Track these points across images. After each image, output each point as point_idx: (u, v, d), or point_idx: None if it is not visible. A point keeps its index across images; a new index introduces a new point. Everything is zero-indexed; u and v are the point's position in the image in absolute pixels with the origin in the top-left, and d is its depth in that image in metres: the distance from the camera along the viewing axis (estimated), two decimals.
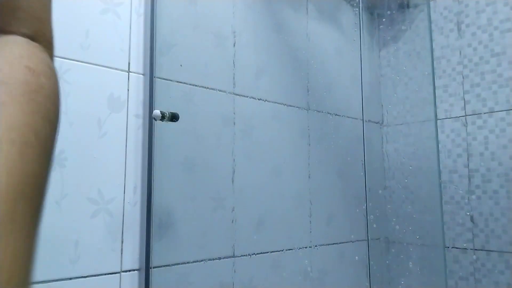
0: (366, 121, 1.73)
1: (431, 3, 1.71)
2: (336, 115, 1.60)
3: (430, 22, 1.68)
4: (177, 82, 1.12)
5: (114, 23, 1.02)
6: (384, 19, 1.84)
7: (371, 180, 1.65)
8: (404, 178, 1.69)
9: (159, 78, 1.07)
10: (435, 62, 1.68)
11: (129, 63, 1.04)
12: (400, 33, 1.80)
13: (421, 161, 1.62)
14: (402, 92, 1.77)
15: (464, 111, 1.59)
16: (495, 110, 1.51)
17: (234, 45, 1.27)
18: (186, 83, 1.13)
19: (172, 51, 1.12)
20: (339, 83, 1.64)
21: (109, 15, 1.02)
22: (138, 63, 1.06)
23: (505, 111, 1.49)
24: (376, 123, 1.80)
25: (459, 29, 1.62)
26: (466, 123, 1.58)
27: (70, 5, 0.95)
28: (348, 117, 1.64)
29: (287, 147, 1.39)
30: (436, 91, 1.67)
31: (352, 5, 1.73)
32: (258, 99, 1.32)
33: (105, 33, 1.00)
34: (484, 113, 1.53)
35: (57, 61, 0.88)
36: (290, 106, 1.43)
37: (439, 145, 1.64)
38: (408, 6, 1.76)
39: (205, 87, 1.18)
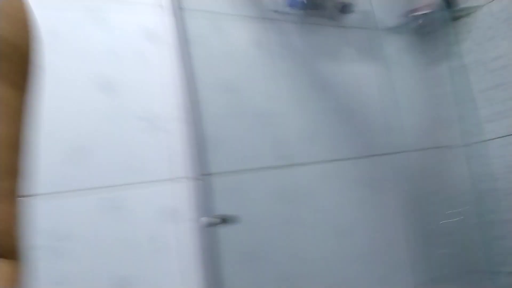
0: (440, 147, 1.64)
1: (485, 8, 1.58)
2: (385, 154, 1.53)
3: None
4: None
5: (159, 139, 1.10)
6: (433, 36, 1.73)
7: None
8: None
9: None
10: (504, 71, 1.54)
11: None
12: (457, 46, 1.67)
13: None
14: (464, 109, 1.64)
15: None
16: None
17: (277, 119, 1.31)
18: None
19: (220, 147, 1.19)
20: (387, 117, 1.57)
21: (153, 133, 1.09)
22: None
23: None
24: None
25: None
26: None
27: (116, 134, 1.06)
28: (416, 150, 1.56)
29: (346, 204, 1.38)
30: (508, 103, 1.52)
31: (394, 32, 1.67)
32: (315, 163, 1.34)
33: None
34: None
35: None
36: (341, 160, 1.40)
37: None
38: (460, 16, 1.64)
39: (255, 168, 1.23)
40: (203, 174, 1.09)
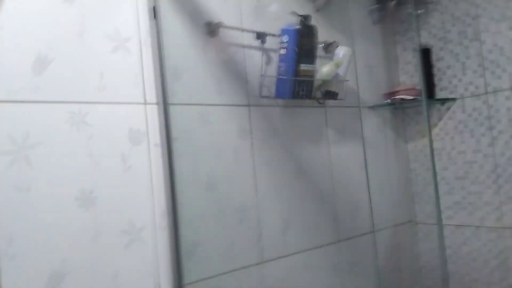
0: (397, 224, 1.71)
1: (459, 101, 1.64)
2: (364, 234, 1.59)
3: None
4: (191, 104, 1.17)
5: (125, 59, 1.06)
6: (410, 114, 1.78)
7: None
8: None
9: (173, 104, 1.11)
10: (467, 166, 1.62)
11: (144, 96, 1.08)
12: (427, 129, 1.73)
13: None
14: (434, 190, 1.73)
15: (500, 222, 1.54)
16: None
17: (258, 213, 1.28)
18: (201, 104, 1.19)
19: (197, 251, 1.15)
20: (367, 196, 1.62)
21: (120, 52, 1.05)
22: (151, 94, 1.10)
23: None
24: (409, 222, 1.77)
25: (491, 136, 1.54)
26: (503, 235, 1.53)
27: (82, 49, 0.99)
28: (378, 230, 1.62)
29: None
30: (468, 196, 1.62)
31: (372, 108, 1.68)
32: (287, 256, 1.34)
33: (118, 70, 1.04)
34: None
35: (76, 106, 0.97)
36: (320, 247, 1.43)
37: (476, 253, 1.60)
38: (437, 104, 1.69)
39: (231, 271, 1.21)
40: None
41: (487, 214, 1.57)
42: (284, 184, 1.36)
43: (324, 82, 1.37)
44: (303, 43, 1.26)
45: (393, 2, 1.69)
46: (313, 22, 1.34)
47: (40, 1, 0.95)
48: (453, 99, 1.65)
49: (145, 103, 1.09)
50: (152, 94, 1.10)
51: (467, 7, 1.59)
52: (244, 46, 1.28)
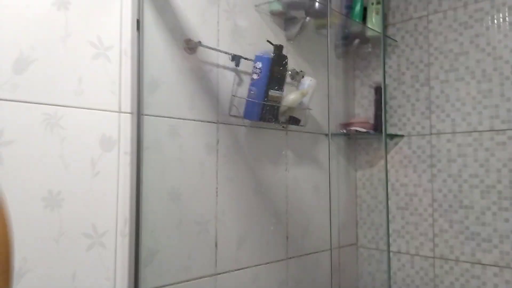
0: (341, 246, 1.83)
1: (406, 138, 1.79)
2: (315, 253, 1.68)
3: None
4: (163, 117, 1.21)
5: (105, 67, 1.08)
6: (361, 145, 1.91)
7: None
8: None
9: (146, 115, 1.15)
10: (408, 198, 1.77)
11: (120, 104, 1.11)
12: (377, 160, 1.87)
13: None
14: (377, 218, 1.86)
15: (433, 252, 1.69)
16: (461, 260, 1.61)
17: (215, 226, 1.33)
18: (173, 117, 1.23)
19: (155, 258, 1.18)
20: (317, 218, 1.72)
21: (101, 60, 1.08)
22: (126, 103, 1.13)
23: (469, 263, 1.59)
24: (352, 245, 1.89)
25: (431, 173, 1.70)
26: (434, 265, 1.68)
27: (64, 52, 1.01)
28: (323, 251, 1.72)
29: None
30: (407, 226, 1.77)
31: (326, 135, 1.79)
32: (239, 269, 1.40)
33: (96, 77, 1.07)
34: (451, 260, 1.64)
35: (53, 108, 0.98)
36: (270, 263, 1.51)
37: (409, 278, 1.75)
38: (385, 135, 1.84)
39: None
40: None
41: (422, 244, 1.72)
42: (243, 200, 1.42)
43: (289, 108, 1.46)
44: (275, 70, 1.34)
45: (357, 40, 1.83)
46: (284, 51, 1.43)
47: (28, 2, 0.96)
48: (401, 136, 1.80)
49: (119, 112, 1.12)
50: (127, 103, 1.14)
51: (422, 54, 1.76)
52: (218, 66, 1.35)
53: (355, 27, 1.79)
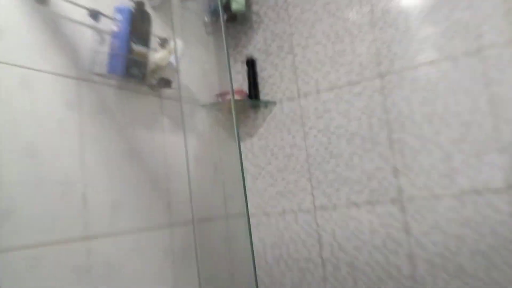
0: (230, 216, 1.83)
1: (278, 104, 1.89)
2: (200, 220, 1.65)
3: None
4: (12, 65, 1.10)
5: None
6: (239, 117, 1.96)
7: None
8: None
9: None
10: (286, 159, 1.85)
11: None
12: (255, 129, 1.94)
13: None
14: (261, 184, 1.91)
15: (313, 205, 1.78)
16: (338, 205, 1.72)
17: (83, 188, 1.24)
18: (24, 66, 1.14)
19: (11, 218, 1.06)
20: (201, 187, 1.70)
21: None
22: None
23: (345, 207, 1.70)
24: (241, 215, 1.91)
25: (304, 131, 1.81)
26: (315, 216, 1.77)
27: None
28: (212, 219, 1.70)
29: (151, 276, 1.40)
30: (288, 186, 1.84)
31: (204, 106, 1.82)
32: (116, 235, 1.31)
33: None
34: (330, 207, 1.73)
35: None
36: (152, 230, 1.44)
37: (295, 235, 1.80)
38: (260, 106, 1.91)
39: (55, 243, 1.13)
40: None
41: (303, 199, 1.80)
42: (115, 163, 1.36)
43: (158, 68, 1.45)
44: (136, 25, 1.33)
45: (224, 16, 1.91)
46: (154, 23, 1.43)
47: None
48: (274, 102, 1.89)
49: None
50: None
51: (284, 26, 1.90)
52: (75, 22, 1.29)
53: (222, 3, 1.87)
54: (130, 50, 1.31)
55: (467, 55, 1.50)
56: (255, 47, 1.97)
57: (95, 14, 1.30)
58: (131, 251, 1.35)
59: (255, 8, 1.98)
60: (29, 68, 1.15)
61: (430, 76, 1.57)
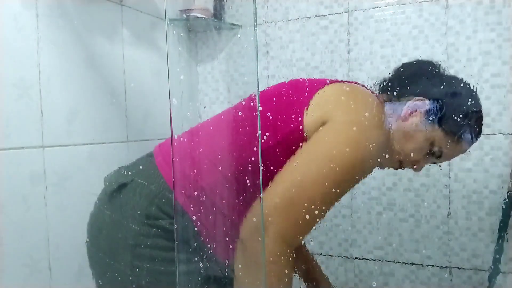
0: None
1: (243, 28, 1.85)
2: (159, 139, 1.66)
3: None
4: None
5: None
6: (202, 39, 1.91)
7: None
8: None
9: None
10: (246, 86, 1.86)
11: None
12: (217, 53, 1.91)
13: None
14: (218, 109, 1.92)
15: None
16: None
17: (40, 93, 1.20)
18: None
19: None
20: (160, 105, 1.69)
21: None
22: None
23: None
24: None
25: (266, 60, 1.81)
26: None
27: None
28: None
29: None
30: None
31: (170, 25, 1.75)
32: (72, 145, 1.30)
33: None
34: None
35: None
36: (108, 143, 1.44)
37: None
38: (223, 29, 1.87)
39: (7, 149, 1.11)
40: None
41: None
42: (72, 71, 1.30)
43: None
44: None
45: None
46: None
47: None
48: (239, 26, 1.85)
49: None
50: None
51: None
52: None
53: None
54: None
55: (432, 1, 1.54)
56: None
57: None
58: (87, 161, 1.35)
59: None
60: None
61: (395, 18, 1.60)
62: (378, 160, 0.80)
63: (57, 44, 1.24)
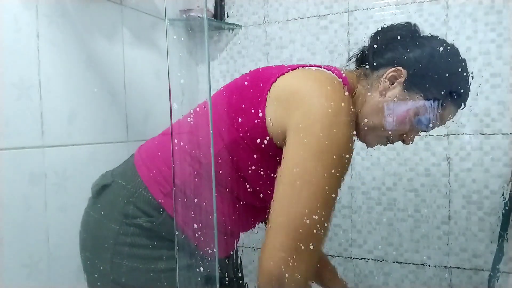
0: None
1: (244, 28, 1.85)
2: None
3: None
4: None
5: None
6: (202, 38, 1.91)
7: None
8: None
9: None
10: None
11: None
12: (217, 53, 1.91)
13: None
14: None
15: None
16: None
17: (40, 93, 1.20)
18: None
19: None
20: (160, 105, 1.69)
21: None
22: None
23: None
24: None
25: (266, 60, 1.81)
26: None
27: None
28: None
29: None
30: None
31: (170, 25, 1.75)
32: (72, 145, 1.30)
33: None
34: None
35: None
36: (109, 143, 1.44)
37: None
38: (223, 29, 1.87)
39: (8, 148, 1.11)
40: None
41: None
42: (72, 71, 1.30)
43: None
44: None
45: None
46: None
47: None
48: (240, 26, 1.85)
49: None
50: None
51: None
52: None
53: None
54: None
55: (432, 1, 1.54)
56: None
57: None
58: (87, 162, 1.35)
59: None
60: None
61: (395, 18, 1.60)
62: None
63: (57, 44, 1.24)
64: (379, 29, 0.89)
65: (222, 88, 0.89)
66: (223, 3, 1.85)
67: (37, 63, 1.18)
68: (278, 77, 0.80)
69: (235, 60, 1.87)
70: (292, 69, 0.82)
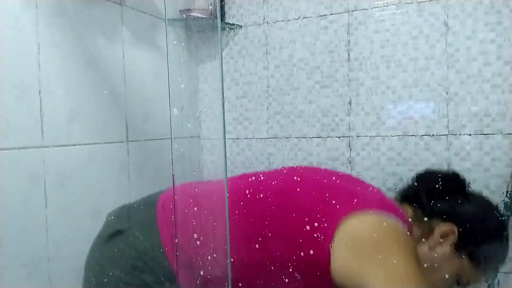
0: (187, 137, 1.84)
1: (244, 28, 1.85)
2: (159, 139, 1.66)
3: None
4: None
5: None
6: (202, 39, 1.91)
7: None
8: None
9: None
10: (246, 86, 1.86)
11: None
12: (217, 52, 1.91)
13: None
14: (218, 109, 1.93)
15: (267, 133, 1.84)
16: (291, 137, 1.79)
17: (40, 93, 1.20)
18: None
19: None
20: (160, 105, 1.69)
21: None
22: None
23: (297, 138, 1.78)
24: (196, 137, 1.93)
25: (266, 60, 1.81)
26: (268, 145, 1.83)
27: None
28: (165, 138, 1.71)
29: (107, 186, 1.42)
30: (245, 113, 1.87)
31: (170, 25, 1.75)
32: (72, 145, 1.30)
33: None
34: (282, 138, 1.80)
35: None
36: (108, 143, 1.44)
37: (247, 161, 1.87)
38: (223, 29, 1.87)
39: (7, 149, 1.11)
40: None
41: (258, 127, 1.85)
42: (72, 71, 1.30)
43: None
44: None
45: None
46: None
47: None
48: (240, 26, 1.85)
49: None
50: None
51: None
52: None
53: None
54: None
55: (432, 1, 1.54)
56: None
57: None
58: (87, 162, 1.35)
59: None
60: None
61: (395, 18, 1.60)
62: None
63: (57, 44, 1.24)
64: (425, 172, 0.92)
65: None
66: (223, 3, 1.86)
67: (37, 63, 1.18)
68: (348, 214, 0.74)
69: (236, 60, 1.87)
70: (361, 208, 0.75)
